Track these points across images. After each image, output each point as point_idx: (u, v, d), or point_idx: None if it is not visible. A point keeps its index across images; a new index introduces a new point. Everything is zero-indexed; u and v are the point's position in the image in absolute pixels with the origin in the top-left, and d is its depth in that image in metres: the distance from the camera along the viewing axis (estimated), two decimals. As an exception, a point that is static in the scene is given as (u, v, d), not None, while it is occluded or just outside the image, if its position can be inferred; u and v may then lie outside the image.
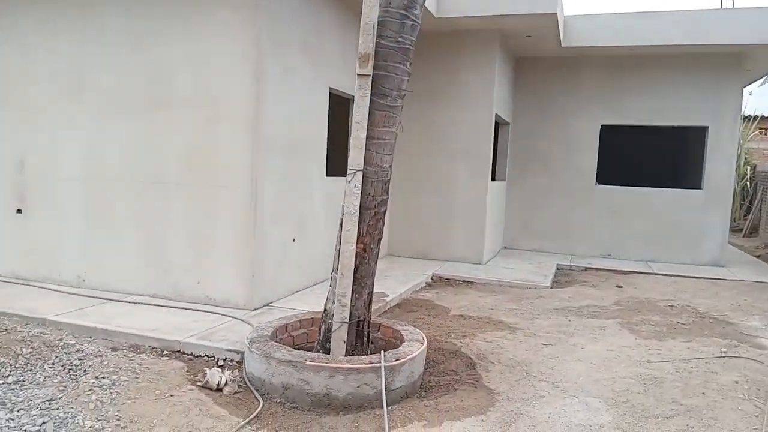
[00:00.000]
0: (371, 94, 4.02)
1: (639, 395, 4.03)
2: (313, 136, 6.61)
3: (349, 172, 4.03)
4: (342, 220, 4.10)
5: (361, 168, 4.03)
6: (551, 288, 7.73)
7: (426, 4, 7.74)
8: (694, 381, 4.33)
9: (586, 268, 9.27)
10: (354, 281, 4.18)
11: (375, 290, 6.97)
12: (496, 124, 10.30)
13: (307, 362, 3.81)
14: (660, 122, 9.92)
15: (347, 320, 4.12)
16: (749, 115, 18.19)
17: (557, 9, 7.68)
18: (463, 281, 7.98)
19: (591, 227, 10.36)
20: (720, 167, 9.69)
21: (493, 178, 10.35)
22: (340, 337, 4.12)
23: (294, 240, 6.32)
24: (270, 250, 5.91)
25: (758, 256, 11.40)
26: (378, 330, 4.82)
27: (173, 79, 5.80)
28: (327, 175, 6.94)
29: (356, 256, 4.17)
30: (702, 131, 9.87)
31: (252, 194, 5.58)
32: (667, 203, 9.98)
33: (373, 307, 6.19)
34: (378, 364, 3.83)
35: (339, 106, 7.29)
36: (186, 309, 5.61)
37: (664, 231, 9.97)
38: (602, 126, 10.19)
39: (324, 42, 6.67)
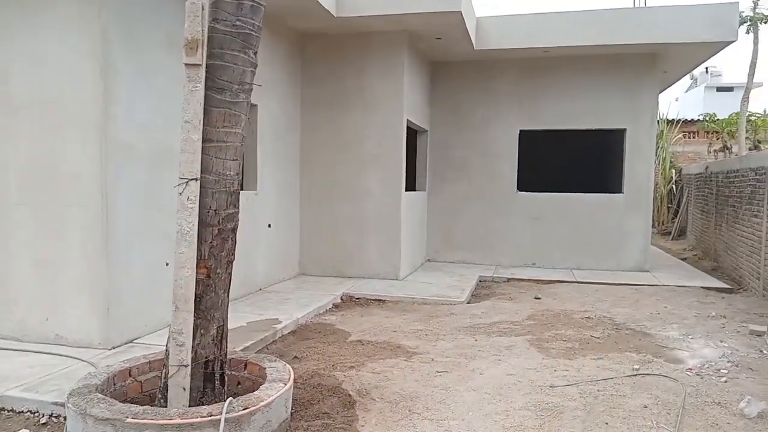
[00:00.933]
0: (206, 89, 3.36)
1: (532, 431, 3.46)
2: (190, 145, 5.86)
3: (180, 181, 3.34)
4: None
5: (196, 176, 3.35)
6: (467, 303, 7.20)
7: (324, 3, 7.23)
8: (599, 408, 3.81)
9: (509, 279, 8.82)
10: (198, 314, 3.47)
11: (268, 316, 6.33)
12: (414, 132, 9.81)
13: (128, 419, 3.07)
14: (578, 126, 9.61)
15: (186, 362, 3.39)
16: (673, 119, 18.46)
17: (461, 7, 7.20)
18: (375, 300, 7.35)
19: (514, 236, 9.94)
20: (640, 170, 9.45)
21: (412, 188, 9.84)
22: (177, 384, 3.39)
23: (167, 264, 5.53)
24: (133, 276, 5.12)
25: (684, 259, 11.27)
26: (245, 368, 4.10)
27: (12, 80, 4.99)
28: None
29: (199, 284, 3.47)
30: (621, 134, 9.64)
31: (103, 211, 4.79)
32: (589, 209, 9.67)
33: (262, 335, 5.54)
34: (218, 417, 3.13)
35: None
36: (29, 351, 4.76)
37: (587, 237, 9.65)
38: (520, 131, 9.81)
39: (200, 41, 5.95)
